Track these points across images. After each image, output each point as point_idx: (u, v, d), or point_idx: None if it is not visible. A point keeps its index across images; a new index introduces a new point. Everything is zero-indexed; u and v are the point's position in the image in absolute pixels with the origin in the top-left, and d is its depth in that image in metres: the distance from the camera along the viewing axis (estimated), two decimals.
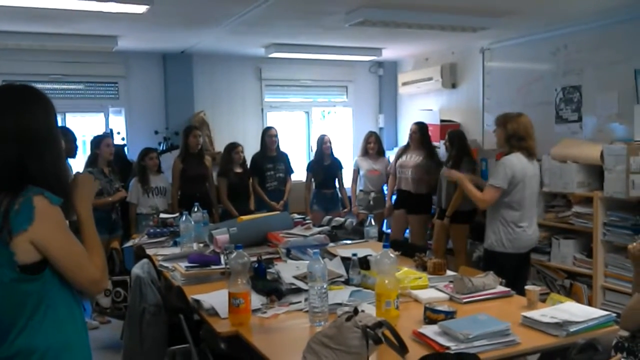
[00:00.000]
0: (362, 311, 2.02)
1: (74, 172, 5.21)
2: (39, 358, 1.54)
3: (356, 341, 1.87)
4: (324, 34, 5.49)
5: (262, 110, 7.26)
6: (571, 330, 2.24)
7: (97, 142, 5.18)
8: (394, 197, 6.13)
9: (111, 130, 6.45)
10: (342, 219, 4.57)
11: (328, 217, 4.73)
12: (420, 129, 5.93)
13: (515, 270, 3.58)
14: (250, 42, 5.99)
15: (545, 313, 2.39)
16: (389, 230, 6.44)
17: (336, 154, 6.50)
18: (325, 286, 2.44)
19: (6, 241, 1.48)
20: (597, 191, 4.52)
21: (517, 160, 3.72)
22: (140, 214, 5.36)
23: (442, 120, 6.65)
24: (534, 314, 2.39)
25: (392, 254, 2.47)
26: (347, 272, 3.02)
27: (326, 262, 3.23)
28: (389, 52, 6.93)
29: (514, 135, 3.76)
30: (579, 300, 4.19)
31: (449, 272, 3.17)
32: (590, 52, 5.02)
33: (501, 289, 2.87)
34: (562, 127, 5.30)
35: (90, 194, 1.75)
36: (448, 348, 2.06)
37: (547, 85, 5.43)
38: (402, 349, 2.01)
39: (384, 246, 2.51)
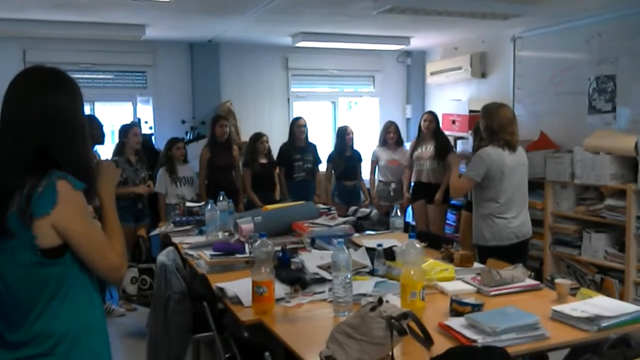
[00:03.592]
0: (387, 302, 1.98)
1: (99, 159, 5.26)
2: (56, 342, 1.54)
3: (380, 332, 1.83)
4: (351, 22, 5.43)
5: (289, 100, 7.23)
6: (603, 325, 2.17)
7: (125, 131, 5.21)
8: (412, 189, 6.08)
9: (139, 120, 6.50)
10: (368, 210, 4.53)
11: (354, 208, 4.69)
12: (435, 118, 5.86)
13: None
14: (277, 30, 5.96)
15: (576, 307, 2.32)
16: (414, 223, 6.37)
17: (362, 145, 6.44)
18: (349, 276, 2.40)
19: (28, 224, 1.48)
20: (631, 184, 4.39)
21: (493, 153, 3.64)
22: (168, 203, 5.39)
23: (471, 111, 6.54)
24: (565, 308, 2.32)
25: (418, 244, 2.42)
26: (372, 262, 2.99)
27: (351, 252, 3.21)
28: (418, 42, 6.83)
29: (487, 128, 3.72)
30: (610, 295, 4.06)
31: (477, 265, 3.11)
32: (625, 41, 4.87)
33: (530, 282, 2.80)
34: (595, 117, 5.16)
35: (112, 181, 1.75)
36: (475, 341, 2.01)
37: (580, 75, 5.29)
38: (427, 341, 1.98)
39: (410, 236, 2.46)
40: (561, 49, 5.52)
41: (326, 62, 7.23)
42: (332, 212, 4.16)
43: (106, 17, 5.12)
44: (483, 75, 6.59)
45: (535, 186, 4.97)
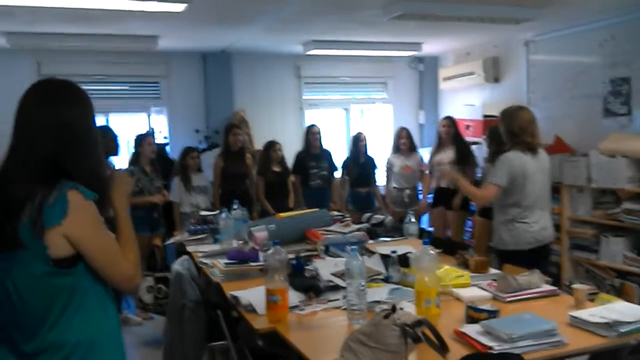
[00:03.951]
0: (401, 309, 1.97)
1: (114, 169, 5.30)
2: (69, 352, 1.54)
3: (395, 339, 1.82)
4: (361, 29, 5.44)
5: (301, 108, 7.26)
6: (622, 330, 2.13)
7: (139, 141, 5.26)
8: (431, 195, 6.04)
9: (153, 130, 6.55)
10: (382, 217, 4.51)
11: (368, 215, 4.67)
12: (453, 123, 5.82)
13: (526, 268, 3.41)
14: (288, 39, 5.98)
15: (595, 313, 2.28)
16: (430, 229, 6.33)
17: (375, 151, 6.43)
18: (363, 283, 2.39)
19: (39, 235, 1.48)
20: None
21: (513, 156, 3.59)
22: (183, 212, 5.42)
23: (484, 116, 6.51)
24: (583, 314, 2.29)
25: (432, 251, 2.40)
26: (387, 269, 2.97)
27: (365, 259, 3.20)
28: (430, 47, 6.82)
29: (509, 131, 3.66)
30: (630, 300, 4.01)
31: (492, 270, 3.08)
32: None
33: (547, 287, 2.76)
34: (610, 120, 5.10)
35: (127, 191, 1.76)
36: (491, 348, 1.99)
37: (594, 78, 5.25)
38: (442, 348, 1.95)
39: (424, 243, 2.44)
40: (574, 52, 5.48)
41: (338, 69, 7.25)
42: (346, 219, 4.14)
43: (119, 28, 5.18)
44: (496, 80, 6.56)
45: (552, 190, 4.90)
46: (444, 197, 5.83)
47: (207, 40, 5.94)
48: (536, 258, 3.69)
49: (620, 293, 4.53)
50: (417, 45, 6.54)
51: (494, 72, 6.53)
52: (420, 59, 7.64)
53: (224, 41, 6.05)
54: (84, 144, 1.61)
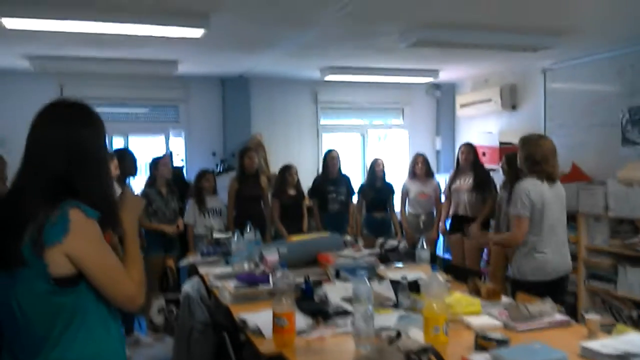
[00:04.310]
0: (407, 336, 1.95)
1: (132, 191, 5.36)
2: None
3: None
4: (378, 56, 5.48)
5: (318, 132, 7.29)
6: None
7: (155, 163, 5.32)
8: (449, 221, 5.98)
9: (171, 153, 6.63)
10: (396, 242, 4.49)
11: (381, 240, 4.65)
12: (472, 149, 5.79)
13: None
14: (306, 65, 6.05)
15: (607, 344, 2.24)
16: (445, 255, 6.28)
17: (391, 177, 6.41)
18: (371, 308, 2.36)
19: (39, 252, 1.49)
20: None
21: (531, 186, 3.54)
22: (197, 234, 5.44)
23: (501, 143, 6.48)
24: (594, 345, 2.24)
25: (441, 277, 2.38)
26: (396, 295, 2.94)
27: (375, 285, 3.18)
28: (447, 74, 6.84)
29: (529, 158, 3.61)
30: None
31: (504, 299, 3.03)
32: None
33: (560, 317, 2.71)
34: (628, 149, 5.05)
35: (136, 211, 1.77)
36: None
37: (613, 107, 5.21)
38: None
39: (432, 268, 2.42)
40: (593, 80, 5.45)
41: (355, 95, 7.30)
42: (357, 243, 4.13)
43: (140, 53, 5.28)
44: (513, 107, 6.55)
45: (568, 219, 4.80)
46: (460, 224, 5.77)
47: (225, 65, 6.03)
48: (554, 290, 3.63)
49: (638, 325, 4.43)
50: (434, 72, 6.56)
51: (511, 100, 6.52)
52: (437, 86, 7.66)
53: (242, 66, 6.13)
54: (94, 164, 1.63)
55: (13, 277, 1.53)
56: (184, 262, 4.52)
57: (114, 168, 4.28)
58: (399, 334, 1.84)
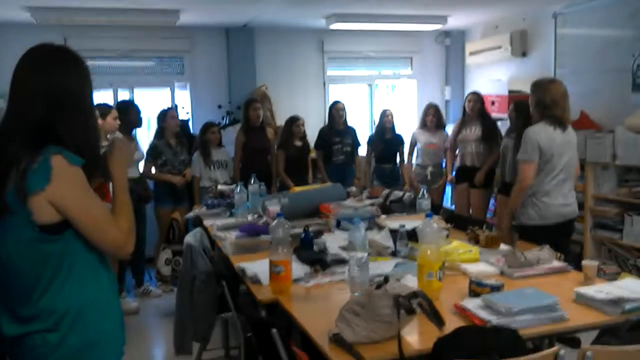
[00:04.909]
0: (398, 280, 1.96)
1: (137, 142, 5.37)
2: (59, 318, 1.55)
3: (387, 310, 1.81)
4: (383, 2, 5.33)
5: (324, 83, 7.21)
6: (627, 307, 2.09)
7: (163, 115, 5.35)
8: (454, 172, 5.96)
9: (176, 105, 6.60)
10: (401, 193, 4.48)
11: (387, 191, 4.65)
12: (480, 98, 5.70)
13: (550, 245, 3.32)
14: (310, 13, 5.92)
15: (601, 289, 2.24)
16: (453, 206, 6.26)
17: (400, 128, 6.36)
18: (366, 255, 2.38)
19: (23, 200, 1.49)
20: None
21: (540, 130, 3.52)
22: (202, 187, 5.47)
23: (510, 91, 6.37)
24: (588, 290, 2.24)
25: (436, 224, 2.37)
26: (395, 243, 2.96)
27: (374, 233, 3.20)
28: (456, 21, 6.67)
29: (539, 103, 3.57)
30: None
31: (503, 246, 3.03)
32: None
33: (557, 264, 2.72)
34: (639, 95, 4.92)
35: (125, 158, 1.76)
36: (488, 322, 1.97)
37: (624, 51, 5.05)
38: (438, 321, 1.94)
39: (427, 215, 2.42)
40: (604, 24, 5.29)
41: (362, 44, 7.16)
42: (362, 193, 4.13)
43: (141, 2, 5.20)
44: (524, 54, 6.39)
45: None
46: (467, 174, 5.74)
47: (228, 14, 5.93)
48: (559, 233, 3.66)
49: None
50: (442, 19, 6.40)
51: (521, 46, 6.36)
52: (447, 33, 7.48)
53: (246, 15, 6.02)
54: (77, 110, 1.61)
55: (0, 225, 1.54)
56: (190, 214, 4.56)
57: (112, 119, 4.28)
58: (386, 279, 1.85)
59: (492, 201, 5.98)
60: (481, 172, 5.55)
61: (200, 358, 3.61)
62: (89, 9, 5.33)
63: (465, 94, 7.44)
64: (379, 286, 1.82)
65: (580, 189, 4.97)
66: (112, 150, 1.74)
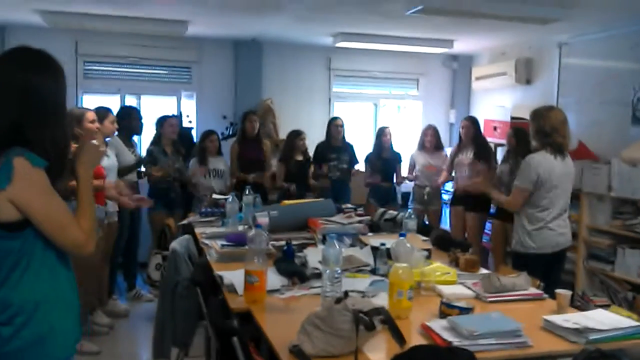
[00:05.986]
0: (365, 297, 1.98)
1: (136, 149, 5.39)
2: (14, 312, 1.58)
3: (346, 325, 1.83)
4: (387, 23, 5.39)
5: (330, 100, 7.27)
6: (591, 337, 2.09)
7: (161, 122, 5.40)
8: (451, 195, 5.98)
9: (180, 113, 6.69)
10: (395, 213, 4.49)
11: (382, 210, 4.67)
12: (474, 123, 5.74)
13: (543, 273, 3.32)
14: (317, 30, 6.00)
15: (569, 318, 2.24)
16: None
17: (404, 148, 6.38)
18: (339, 271, 2.41)
19: None
20: None
21: (541, 159, 3.54)
22: (197, 195, 5.52)
23: (512, 118, 6.39)
24: (557, 318, 2.24)
25: (409, 244, 2.40)
26: (375, 261, 2.97)
27: (357, 250, 3.22)
28: (463, 45, 6.72)
29: (539, 131, 3.60)
30: None
31: (482, 270, 3.04)
32: None
33: (533, 291, 2.72)
34: (638, 128, 4.93)
35: (92, 161, 1.80)
36: (450, 343, 1.98)
37: (625, 84, 5.07)
38: (399, 339, 1.96)
39: (400, 235, 2.44)
40: (607, 56, 5.31)
41: (369, 63, 7.22)
42: (349, 210, 4.16)
43: (150, 12, 5.30)
44: (528, 82, 6.42)
45: (571, 197, 4.79)
46: (462, 198, 5.75)
47: (236, 27, 6.01)
48: (554, 262, 3.69)
49: (632, 307, 4.40)
50: (448, 43, 6.44)
51: (526, 74, 6.39)
52: (454, 57, 7.53)
53: (253, 29, 6.11)
54: (48, 113, 1.65)
55: None
56: (184, 222, 4.60)
57: (110, 123, 4.34)
58: (346, 294, 1.87)
59: (488, 225, 5.99)
60: (475, 180, 5.51)
61: None
62: (100, 16, 5.43)
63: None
64: (338, 300, 1.84)
65: (575, 218, 4.97)
66: (80, 152, 1.78)
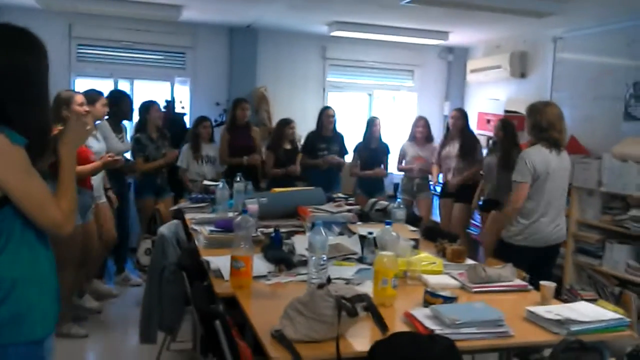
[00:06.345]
0: (350, 284, 1.98)
1: (127, 135, 5.33)
2: None
3: (328, 310, 1.84)
4: (382, 13, 5.38)
5: (324, 89, 7.25)
6: (572, 329, 2.10)
7: (146, 108, 5.31)
8: (439, 186, 6.01)
9: (173, 99, 6.65)
10: (386, 203, 4.50)
11: (373, 200, 4.67)
12: (463, 115, 5.75)
13: (532, 266, 3.31)
14: (312, 18, 5.97)
15: (552, 310, 2.26)
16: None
17: (396, 139, 6.37)
18: (324, 257, 2.41)
19: None
20: None
21: (536, 153, 3.55)
22: (190, 180, 5.51)
23: (506, 111, 6.39)
24: (539, 309, 2.26)
25: (393, 232, 2.40)
26: (362, 250, 2.98)
27: (345, 238, 3.23)
28: (458, 37, 6.71)
29: (535, 126, 3.60)
30: (626, 310, 3.93)
31: (469, 261, 3.06)
32: None
33: (518, 282, 2.73)
34: (630, 124, 4.94)
35: (76, 140, 1.78)
36: (432, 331, 1.99)
37: (619, 79, 5.07)
38: (381, 326, 1.97)
39: (386, 223, 2.45)
40: (601, 51, 5.31)
41: (365, 53, 7.19)
42: (340, 200, 4.16)
43: None
44: (522, 75, 6.42)
45: None
46: (450, 189, 5.79)
47: (230, 13, 5.98)
48: (546, 256, 3.70)
49: (619, 301, 4.42)
50: (443, 34, 6.43)
51: (520, 67, 6.39)
52: (450, 49, 7.52)
53: (248, 15, 6.07)
54: (30, 91, 1.64)
55: None
56: (175, 207, 4.60)
57: (101, 105, 4.31)
58: (329, 280, 1.87)
59: (477, 217, 6.02)
60: (454, 180, 5.60)
61: (168, 348, 3.65)
62: None
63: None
64: (321, 286, 1.84)
65: (566, 213, 4.98)
66: (65, 131, 1.77)
